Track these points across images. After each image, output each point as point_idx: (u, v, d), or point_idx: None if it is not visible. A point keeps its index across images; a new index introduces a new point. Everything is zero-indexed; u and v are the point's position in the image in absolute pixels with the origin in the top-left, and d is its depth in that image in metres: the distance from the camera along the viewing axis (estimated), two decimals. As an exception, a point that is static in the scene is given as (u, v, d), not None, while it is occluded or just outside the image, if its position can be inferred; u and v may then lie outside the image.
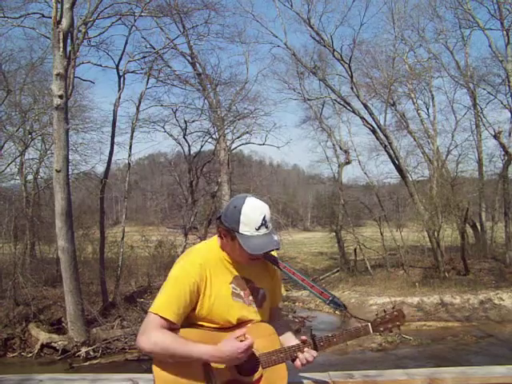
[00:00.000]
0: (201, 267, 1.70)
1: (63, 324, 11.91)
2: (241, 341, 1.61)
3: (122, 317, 12.29)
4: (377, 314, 1.83)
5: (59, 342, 11.08)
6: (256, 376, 1.67)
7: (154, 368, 1.62)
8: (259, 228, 1.66)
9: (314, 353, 1.74)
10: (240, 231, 1.66)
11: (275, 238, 1.70)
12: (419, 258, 19.37)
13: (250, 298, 1.77)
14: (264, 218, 1.67)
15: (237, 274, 1.77)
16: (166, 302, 1.65)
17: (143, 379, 2.24)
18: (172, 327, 1.63)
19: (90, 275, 15.05)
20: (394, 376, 2.13)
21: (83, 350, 10.86)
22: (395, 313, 1.84)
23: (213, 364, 1.61)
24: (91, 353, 10.92)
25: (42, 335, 11.35)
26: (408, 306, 14.58)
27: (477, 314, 13.88)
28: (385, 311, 1.83)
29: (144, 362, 10.61)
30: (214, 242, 1.80)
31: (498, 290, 14.82)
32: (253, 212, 1.66)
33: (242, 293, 1.76)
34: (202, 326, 1.70)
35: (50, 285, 14.49)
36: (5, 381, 2.28)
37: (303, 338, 1.77)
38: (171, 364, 1.60)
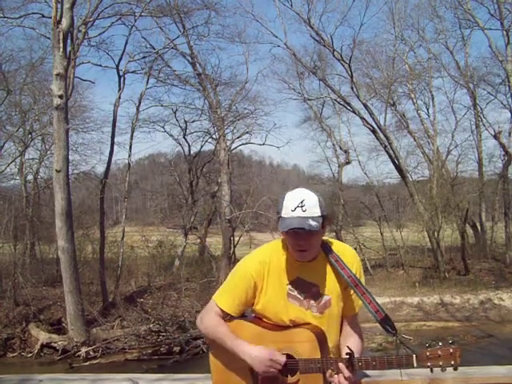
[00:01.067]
0: (260, 264, 1.75)
1: (63, 324, 11.91)
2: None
3: (122, 317, 12.28)
4: (428, 345, 1.57)
5: (59, 342, 11.08)
6: (294, 379, 1.68)
7: (210, 355, 1.82)
8: (295, 209, 1.64)
9: (347, 374, 1.58)
10: (281, 215, 1.67)
11: (311, 222, 1.61)
12: (419, 258, 19.37)
13: (312, 302, 1.73)
14: (303, 201, 1.65)
15: (300, 275, 1.73)
16: (224, 292, 1.79)
17: (143, 379, 2.24)
18: (228, 316, 1.76)
19: (90, 275, 15.05)
20: (394, 376, 2.13)
21: (83, 350, 10.86)
22: (451, 350, 1.54)
23: None
24: (91, 353, 10.92)
25: (41, 335, 11.35)
26: (408, 305, 14.59)
27: (477, 314, 13.87)
28: (440, 344, 1.57)
29: (144, 362, 10.64)
30: (283, 240, 1.79)
31: (497, 290, 14.81)
32: (293, 195, 1.68)
33: (301, 295, 1.73)
34: (261, 319, 1.78)
35: (49, 285, 14.49)
36: (5, 381, 2.28)
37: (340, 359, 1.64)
38: (223, 353, 1.74)
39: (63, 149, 11.16)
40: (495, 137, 18.84)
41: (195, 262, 18.16)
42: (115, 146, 15.92)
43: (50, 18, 11.60)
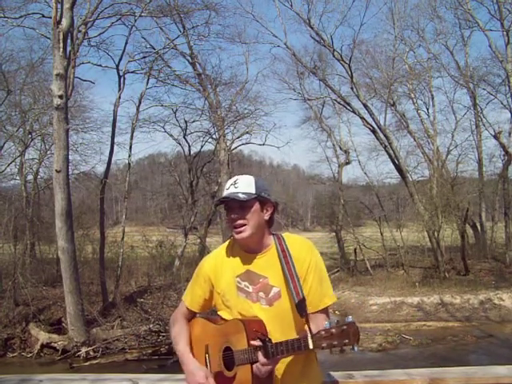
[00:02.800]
0: (213, 260, 1.83)
1: (63, 324, 11.90)
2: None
3: (122, 317, 12.28)
4: (329, 325, 1.49)
5: (59, 342, 11.07)
6: (232, 373, 1.68)
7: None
8: (229, 187, 1.74)
9: (263, 360, 1.55)
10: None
11: (240, 194, 1.68)
12: (419, 258, 19.37)
13: (261, 294, 1.72)
14: (236, 180, 1.75)
15: (250, 268, 1.75)
16: (187, 289, 1.91)
17: (143, 379, 2.25)
18: (193, 314, 1.87)
19: (90, 275, 15.04)
20: (393, 376, 2.13)
21: (83, 350, 10.85)
22: (344, 327, 1.45)
23: (210, 353, 1.76)
24: (91, 353, 10.91)
25: (41, 335, 11.35)
26: (408, 305, 14.59)
27: (477, 314, 13.87)
28: (336, 323, 1.47)
29: (144, 362, 10.64)
30: None
31: (498, 290, 14.81)
32: (232, 178, 1.78)
33: (249, 288, 1.73)
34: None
35: (49, 285, 14.49)
36: (5, 381, 2.28)
37: (253, 342, 1.60)
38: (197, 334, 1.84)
39: (63, 149, 11.15)
40: (495, 137, 18.85)
41: (195, 262, 18.09)
42: (115, 146, 15.93)
43: (50, 18, 11.59)
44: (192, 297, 1.86)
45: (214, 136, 19.51)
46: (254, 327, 1.64)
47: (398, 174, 19.88)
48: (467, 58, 20.06)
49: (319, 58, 21.40)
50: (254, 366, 1.59)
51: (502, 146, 18.65)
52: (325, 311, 1.74)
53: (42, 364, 10.70)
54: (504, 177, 18.75)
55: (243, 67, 19.65)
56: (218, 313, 1.82)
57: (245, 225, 1.70)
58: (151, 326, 11.65)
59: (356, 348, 1.44)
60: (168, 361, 10.54)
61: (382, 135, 18.92)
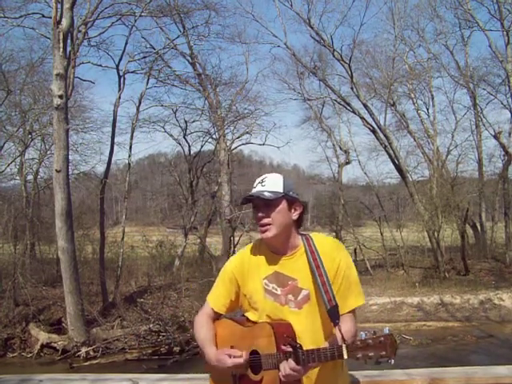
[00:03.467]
0: (240, 260, 1.81)
1: (63, 324, 11.90)
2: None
3: (122, 317, 12.27)
4: (365, 335, 1.44)
5: (59, 342, 11.07)
6: (258, 376, 1.65)
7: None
8: (256, 186, 1.72)
9: (292, 365, 1.50)
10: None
11: (266, 193, 1.66)
12: (419, 258, 19.36)
13: (290, 296, 1.68)
14: (264, 178, 1.72)
15: (278, 269, 1.71)
16: (211, 291, 1.87)
17: (143, 379, 2.25)
18: (218, 315, 1.83)
19: (90, 275, 15.03)
20: (393, 376, 2.13)
21: (83, 350, 10.85)
22: (381, 339, 1.39)
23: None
24: (91, 353, 10.91)
25: (41, 335, 11.34)
26: (408, 306, 14.58)
27: (477, 314, 13.87)
28: (373, 334, 1.42)
29: (144, 361, 10.64)
30: None
31: (497, 290, 14.80)
32: (260, 177, 1.75)
33: (278, 290, 1.69)
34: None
35: (49, 285, 14.48)
36: (5, 381, 2.28)
37: (283, 347, 1.55)
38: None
39: (63, 149, 11.15)
40: (495, 137, 18.84)
41: (195, 262, 18.16)
42: (115, 146, 15.92)
43: (50, 18, 11.59)
44: (217, 298, 1.83)
45: (214, 136, 19.52)
46: (283, 331, 1.60)
47: (398, 174, 19.88)
48: (467, 58, 20.09)
49: (319, 57, 21.42)
50: (282, 370, 1.53)
51: (502, 146, 18.65)
52: (352, 312, 1.71)
53: (42, 364, 10.70)
54: (504, 177, 18.75)
55: (243, 67, 19.66)
56: (245, 314, 1.79)
57: (270, 224, 1.68)
58: (151, 325, 11.65)
59: (393, 361, 1.39)
60: (168, 361, 10.55)
61: (381, 135, 18.91)
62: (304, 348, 1.52)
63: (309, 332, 1.65)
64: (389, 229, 19.94)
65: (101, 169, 18.61)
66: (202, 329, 1.80)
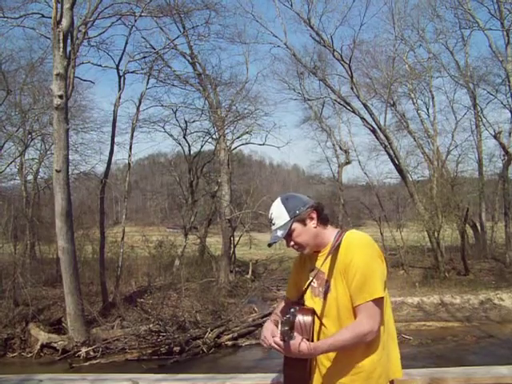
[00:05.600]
0: (300, 254, 2.00)
1: (63, 324, 11.89)
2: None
3: (122, 317, 12.27)
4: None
5: (59, 342, 11.07)
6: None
7: None
8: (269, 225, 1.90)
9: (277, 340, 1.67)
10: None
11: (278, 232, 1.83)
12: (419, 258, 19.36)
13: (320, 288, 1.86)
14: (271, 216, 1.88)
15: (316, 264, 1.90)
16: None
17: (143, 379, 2.25)
18: (290, 301, 2.01)
19: (90, 275, 15.03)
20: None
21: (83, 350, 10.84)
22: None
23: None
24: (91, 353, 10.90)
25: (41, 335, 11.34)
26: (408, 306, 14.57)
27: (477, 314, 13.86)
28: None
29: (144, 362, 10.63)
30: None
31: (498, 291, 14.81)
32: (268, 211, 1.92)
33: (315, 283, 1.89)
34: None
35: (49, 285, 14.48)
36: (5, 381, 2.28)
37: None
38: None
39: (63, 149, 11.14)
40: (495, 137, 18.84)
41: (195, 262, 18.16)
42: (115, 146, 15.90)
43: (50, 18, 11.58)
44: (288, 287, 2.06)
45: (214, 136, 19.53)
46: (300, 314, 1.80)
47: (398, 174, 19.89)
48: (467, 58, 20.10)
49: (319, 58, 21.44)
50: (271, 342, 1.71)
51: (502, 146, 18.65)
52: (365, 306, 1.73)
53: (42, 364, 10.69)
54: (504, 177, 18.75)
55: (243, 67, 19.72)
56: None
57: (299, 246, 1.87)
58: (151, 325, 11.65)
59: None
60: (168, 361, 10.55)
61: (381, 135, 18.92)
62: (328, 333, 1.77)
63: (333, 320, 1.80)
64: (389, 229, 19.93)
65: (101, 169, 18.66)
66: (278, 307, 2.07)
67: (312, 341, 1.77)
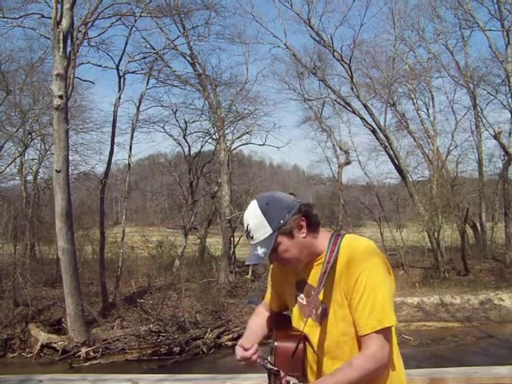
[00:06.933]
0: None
1: (63, 324, 11.90)
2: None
3: (122, 317, 12.27)
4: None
5: (59, 343, 11.07)
6: None
7: None
8: (247, 238, 1.51)
9: None
10: None
11: (259, 250, 1.44)
12: (419, 258, 19.34)
13: (313, 310, 1.51)
14: (248, 228, 1.49)
15: (306, 277, 1.54)
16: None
17: (143, 379, 2.25)
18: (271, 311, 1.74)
19: (90, 275, 15.03)
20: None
21: (83, 350, 10.85)
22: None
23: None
24: (91, 353, 10.91)
25: (41, 336, 11.34)
26: (408, 306, 14.57)
27: (477, 315, 13.87)
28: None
29: (144, 362, 10.64)
30: None
31: (498, 291, 14.80)
32: (243, 219, 1.54)
33: (304, 300, 1.55)
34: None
35: (49, 285, 14.48)
36: (5, 381, 2.28)
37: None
38: None
39: (63, 149, 11.15)
40: (495, 137, 18.84)
41: (195, 262, 18.15)
42: (115, 147, 15.92)
43: (50, 18, 11.59)
44: (270, 297, 1.75)
45: (214, 136, 19.51)
46: (284, 351, 1.49)
47: (398, 174, 19.89)
48: (467, 58, 20.11)
49: (319, 58, 21.41)
50: None
51: (502, 147, 18.65)
52: (373, 337, 1.41)
53: (42, 364, 10.70)
54: (504, 177, 18.75)
55: (243, 67, 19.73)
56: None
57: (288, 261, 1.51)
58: (151, 326, 11.65)
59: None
60: (168, 361, 10.55)
61: (382, 135, 18.92)
62: (324, 364, 1.50)
63: (330, 351, 1.49)
64: (389, 229, 19.92)
65: (101, 169, 18.62)
66: (252, 316, 1.77)
67: (304, 375, 1.52)
